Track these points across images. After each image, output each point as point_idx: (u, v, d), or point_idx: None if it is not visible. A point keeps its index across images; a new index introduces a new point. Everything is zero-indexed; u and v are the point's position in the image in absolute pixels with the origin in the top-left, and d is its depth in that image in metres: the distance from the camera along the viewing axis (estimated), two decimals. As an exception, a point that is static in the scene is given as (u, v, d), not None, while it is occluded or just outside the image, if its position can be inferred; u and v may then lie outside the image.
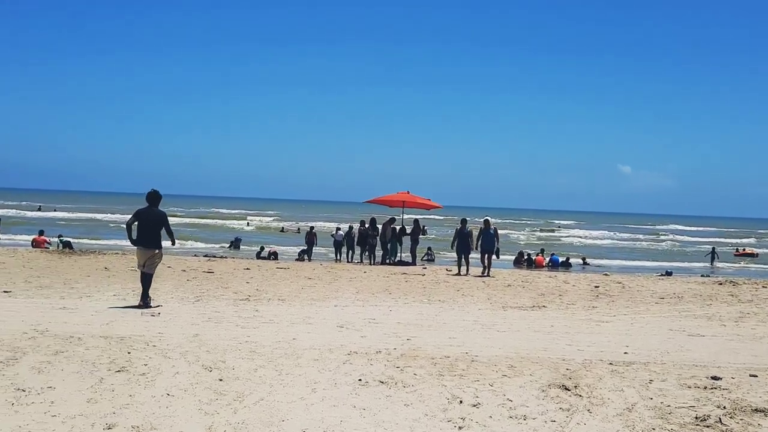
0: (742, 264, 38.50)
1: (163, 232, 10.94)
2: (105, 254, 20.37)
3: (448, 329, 9.62)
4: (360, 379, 6.41)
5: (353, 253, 24.92)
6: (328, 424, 5.16)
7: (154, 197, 10.94)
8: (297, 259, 25.49)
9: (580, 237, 61.15)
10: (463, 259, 19.47)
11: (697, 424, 5.41)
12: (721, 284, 17.95)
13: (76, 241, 28.82)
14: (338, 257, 25.71)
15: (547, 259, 28.96)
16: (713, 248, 40.67)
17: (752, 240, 70.06)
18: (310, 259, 25.73)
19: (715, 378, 6.94)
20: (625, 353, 8.21)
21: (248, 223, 60.20)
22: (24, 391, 5.61)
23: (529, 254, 29.46)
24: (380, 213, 27.93)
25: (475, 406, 5.72)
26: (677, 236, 71.53)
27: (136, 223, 10.78)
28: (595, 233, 67.36)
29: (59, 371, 6.27)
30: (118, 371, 6.34)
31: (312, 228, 28.62)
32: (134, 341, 7.71)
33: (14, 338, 7.56)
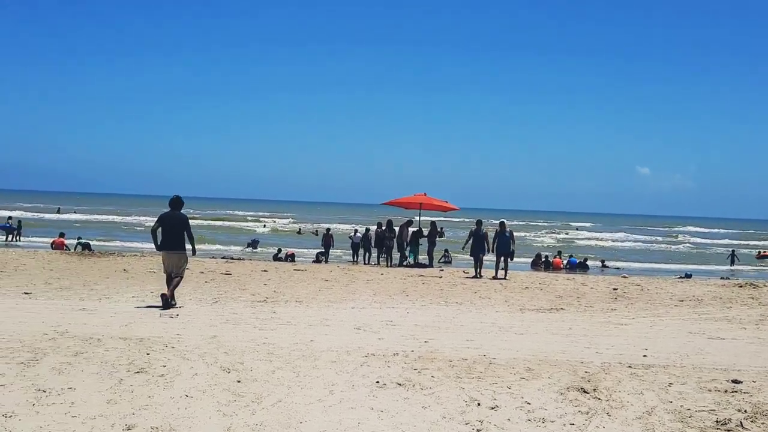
0: (758, 266, 38.03)
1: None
2: (124, 256, 20.52)
3: (465, 331, 9.60)
4: (377, 381, 6.41)
5: (370, 255, 24.94)
6: (346, 426, 5.16)
7: (176, 202, 11.14)
8: (314, 261, 25.53)
9: (598, 240, 60.73)
10: (477, 261, 19.46)
11: (717, 428, 5.36)
12: (741, 287, 17.78)
13: (97, 243, 29.11)
14: (355, 259, 25.74)
15: (565, 261, 28.81)
16: (733, 250, 40.24)
17: (773, 242, 69.23)
18: (327, 261, 25.76)
19: (735, 381, 6.86)
20: (645, 356, 8.15)
21: (264, 225, 60.42)
22: (45, 391, 5.66)
23: (546, 256, 29.31)
24: (397, 215, 27.97)
25: (493, 408, 5.70)
26: (696, 238, 70.95)
27: (160, 228, 10.95)
28: (613, 235, 66.91)
29: (79, 372, 6.32)
30: (137, 372, 6.38)
31: (328, 230, 28.65)
32: (153, 342, 7.76)
33: (35, 339, 7.63)
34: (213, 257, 23.86)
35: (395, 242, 23.35)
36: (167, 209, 11.16)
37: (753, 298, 15.22)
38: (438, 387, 6.30)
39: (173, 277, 10.94)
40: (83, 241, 27.34)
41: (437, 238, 23.94)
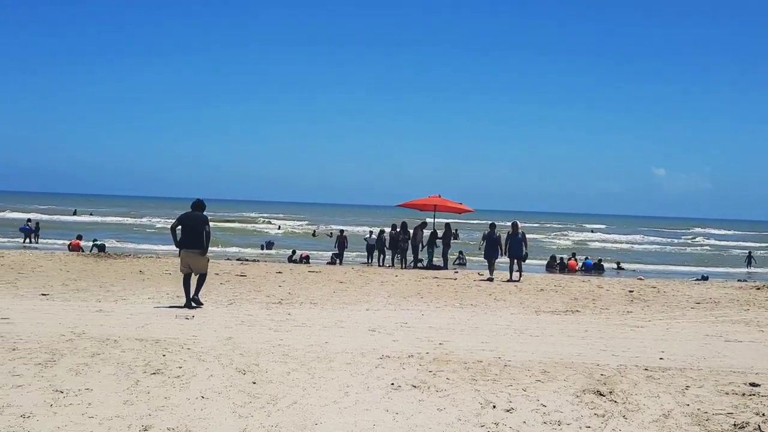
0: None
1: None
2: (139, 258, 20.65)
3: (480, 333, 9.57)
4: (392, 383, 6.41)
5: (384, 256, 24.94)
6: (361, 427, 5.17)
7: (198, 205, 11.37)
8: (329, 263, 25.57)
9: (614, 242, 60.42)
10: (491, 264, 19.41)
11: (735, 432, 5.32)
12: (758, 289, 17.61)
13: (117, 245, 29.33)
14: (370, 261, 25.75)
15: (580, 263, 28.66)
16: (750, 252, 39.88)
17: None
18: (341, 263, 25.80)
19: (753, 384, 6.80)
20: (661, 359, 8.09)
21: (279, 227, 60.61)
22: (62, 392, 5.71)
23: (561, 258, 29.18)
24: (410, 217, 27.94)
25: (508, 411, 5.69)
26: (712, 240, 70.44)
27: (179, 227, 11.12)
28: (628, 237, 66.58)
29: (96, 373, 6.37)
30: (154, 373, 6.42)
31: (343, 231, 28.68)
32: (169, 344, 7.80)
33: (52, 340, 7.69)
34: (228, 259, 23.96)
35: (410, 244, 23.34)
36: (179, 211, 11.31)
37: (771, 300, 15.07)
38: (453, 389, 6.29)
39: (194, 275, 11.15)
40: (98, 242, 27.56)
41: (452, 240, 23.91)
